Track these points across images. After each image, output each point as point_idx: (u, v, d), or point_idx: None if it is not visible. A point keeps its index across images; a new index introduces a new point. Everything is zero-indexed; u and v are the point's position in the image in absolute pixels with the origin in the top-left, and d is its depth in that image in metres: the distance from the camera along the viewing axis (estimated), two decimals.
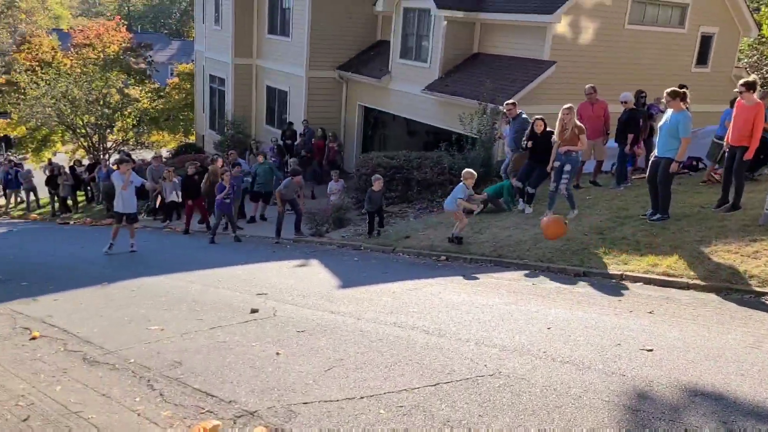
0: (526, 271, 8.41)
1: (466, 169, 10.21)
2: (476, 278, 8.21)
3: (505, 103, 12.14)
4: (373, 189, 11.89)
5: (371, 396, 4.42)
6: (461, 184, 9.96)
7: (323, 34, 20.04)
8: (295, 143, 19.83)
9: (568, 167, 9.99)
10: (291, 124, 20.47)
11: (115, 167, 14.26)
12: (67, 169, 21.62)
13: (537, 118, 10.72)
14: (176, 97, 30.40)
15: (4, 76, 34.66)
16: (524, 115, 11.78)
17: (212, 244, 12.83)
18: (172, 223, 16.27)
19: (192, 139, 30.28)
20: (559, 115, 9.96)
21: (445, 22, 16.43)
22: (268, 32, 22.31)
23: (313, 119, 20.18)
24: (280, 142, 19.69)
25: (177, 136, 31.31)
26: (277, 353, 5.38)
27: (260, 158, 15.99)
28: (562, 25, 14.94)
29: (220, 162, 15.00)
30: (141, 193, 17.91)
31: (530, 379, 4.60)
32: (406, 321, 6.18)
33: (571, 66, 15.10)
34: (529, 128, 10.81)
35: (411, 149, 15.72)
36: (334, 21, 19.99)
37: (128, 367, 5.29)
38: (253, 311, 6.80)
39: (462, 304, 6.86)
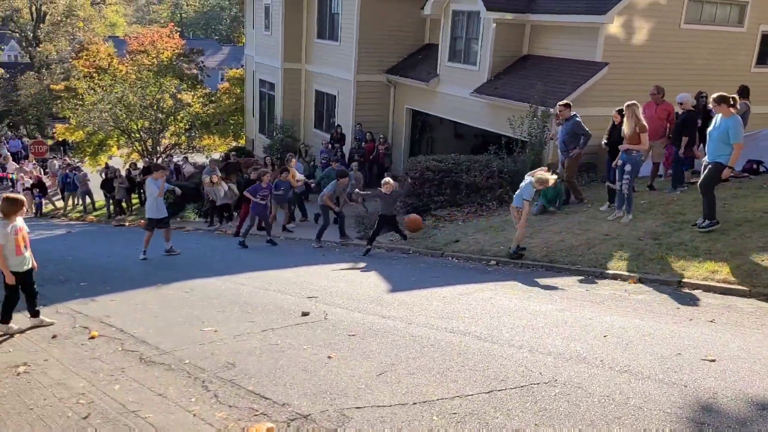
0: (580, 277, 8.23)
1: (542, 175, 9.38)
2: (528, 284, 8.08)
3: (558, 104, 11.93)
4: (383, 191, 11.55)
5: (424, 402, 4.38)
6: (530, 183, 9.31)
7: (371, 38, 20.11)
8: (344, 146, 19.96)
9: (628, 167, 9.72)
10: (339, 127, 20.61)
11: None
12: (122, 173, 22.27)
13: (616, 110, 10.58)
14: (227, 101, 30.97)
15: (63, 83, 35.94)
16: (577, 118, 11.55)
17: (245, 247, 12.77)
18: (223, 225, 16.56)
19: (242, 142, 30.81)
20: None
21: (494, 24, 16.27)
22: (317, 37, 22.53)
23: (361, 123, 20.27)
24: (343, 149, 19.67)
25: (227, 140, 31.88)
26: (329, 357, 5.39)
27: (334, 165, 16.08)
28: (615, 26, 14.61)
29: (294, 161, 15.44)
30: (194, 196, 18.38)
31: (587, 388, 4.48)
32: (457, 326, 6.11)
33: (624, 67, 14.75)
34: (610, 123, 10.74)
35: (459, 152, 15.60)
36: (382, 25, 20.04)
37: (183, 368, 5.38)
38: (304, 314, 6.84)
39: (514, 310, 6.76)
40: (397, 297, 7.67)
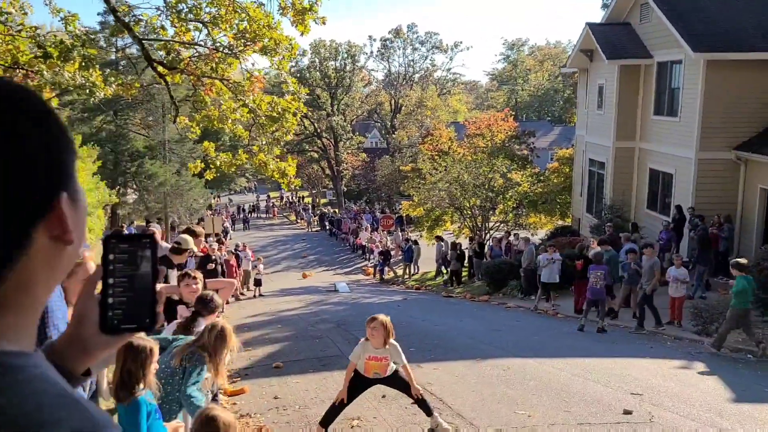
0: None
1: None
2: None
3: None
4: None
5: None
6: None
7: (716, 112, 18.32)
8: (687, 229, 18.22)
9: None
10: (680, 208, 18.94)
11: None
12: (464, 247, 24.03)
13: None
14: (555, 180, 31.20)
15: (410, 164, 40.51)
16: None
17: (580, 331, 12.35)
18: (543, 305, 16.24)
19: (568, 221, 30.48)
20: None
21: None
22: (653, 114, 21.45)
23: (702, 204, 18.35)
24: (699, 229, 17.91)
25: (553, 219, 31.90)
26: None
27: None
28: None
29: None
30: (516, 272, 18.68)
31: None
32: None
33: None
34: None
35: None
36: (729, 97, 18.16)
37: None
38: (626, 412, 6.28)
39: None
40: (742, 408, 6.56)
